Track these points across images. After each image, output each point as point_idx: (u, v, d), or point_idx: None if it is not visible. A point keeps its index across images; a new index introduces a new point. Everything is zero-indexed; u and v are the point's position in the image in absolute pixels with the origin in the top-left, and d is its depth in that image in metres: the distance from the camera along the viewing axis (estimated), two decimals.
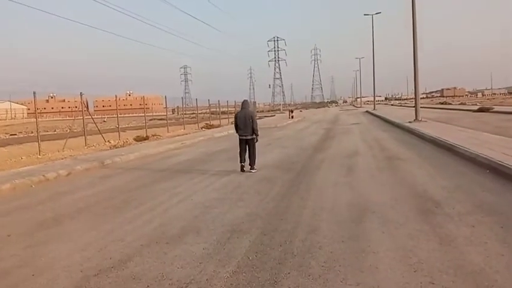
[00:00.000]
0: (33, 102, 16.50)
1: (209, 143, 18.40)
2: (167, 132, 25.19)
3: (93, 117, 20.12)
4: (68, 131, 21.60)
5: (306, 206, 5.81)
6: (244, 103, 9.34)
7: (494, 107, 35.84)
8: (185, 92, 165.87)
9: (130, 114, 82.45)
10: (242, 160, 9.10)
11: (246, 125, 9.02)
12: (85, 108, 18.93)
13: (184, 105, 42.55)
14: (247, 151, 9.15)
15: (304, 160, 10.60)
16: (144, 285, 3.40)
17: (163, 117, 40.05)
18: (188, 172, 9.69)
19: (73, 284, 3.51)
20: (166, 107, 30.20)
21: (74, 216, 6.01)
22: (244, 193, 6.93)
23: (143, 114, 29.01)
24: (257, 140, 9.27)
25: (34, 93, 15.28)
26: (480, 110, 33.09)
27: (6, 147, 18.49)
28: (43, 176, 9.59)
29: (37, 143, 15.35)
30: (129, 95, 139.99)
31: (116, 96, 26.04)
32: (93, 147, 17.52)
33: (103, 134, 19.82)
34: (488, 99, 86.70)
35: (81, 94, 18.12)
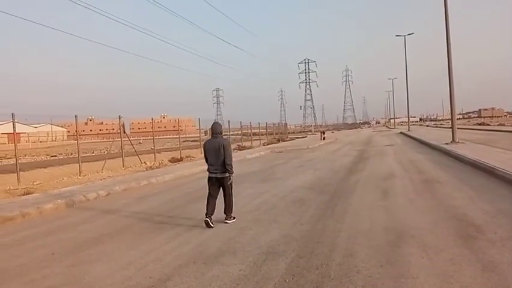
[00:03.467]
0: (72, 125, 17.42)
1: (240, 164, 18.59)
2: (201, 153, 25.66)
3: (130, 139, 20.80)
4: (106, 152, 22.42)
5: (341, 229, 5.77)
6: (214, 127, 6.64)
7: None
8: (217, 114, 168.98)
9: (165, 136, 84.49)
10: (209, 211, 6.37)
11: (217, 158, 6.41)
12: (123, 131, 19.63)
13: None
14: (222, 193, 6.64)
15: (337, 182, 10.51)
16: None
17: (196, 138, 40.87)
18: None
19: None
20: (199, 129, 30.77)
21: (114, 236, 6.22)
22: (278, 215, 6.96)
23: (177, 136, 29.74)
24: (231, 181, 6.57)
25: (76, 116, 16.11)
26: None
27: (47, 168, 19.37)
28: (84, 196, 10.00)
29: (77, 164, 16.04)
30: (163, 118, 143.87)
31: (152, 119, 26.89)
32: (130, 168, 18.09)
33: (139, 156, 20.43)
34: None
35: (119, 117, 18.87)
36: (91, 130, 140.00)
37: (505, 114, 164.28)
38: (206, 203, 6.47)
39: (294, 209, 7.41)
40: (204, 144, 6.78)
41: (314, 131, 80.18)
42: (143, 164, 19.02)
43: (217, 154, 6.42)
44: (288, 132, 68.63)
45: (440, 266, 4.04)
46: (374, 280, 3.77)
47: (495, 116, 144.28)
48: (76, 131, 17.58)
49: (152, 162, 19.34)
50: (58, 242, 6.06)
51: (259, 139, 40.47)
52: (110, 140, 28.21)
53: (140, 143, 49.21)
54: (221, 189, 6.61)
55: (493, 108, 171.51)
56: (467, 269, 3.92)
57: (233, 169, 6.51)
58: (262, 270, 4.22)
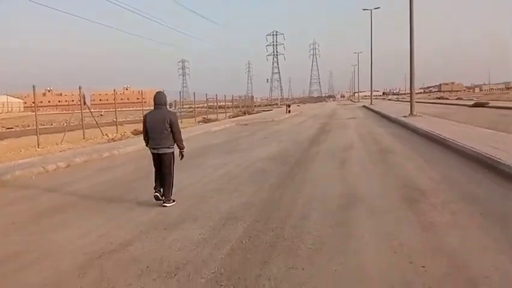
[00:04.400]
0: (29, 96, 16.75)
1: (205, 136, 18.64)
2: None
3: (91, 111, 20.25)
4: (66, 124, 21.76)
5: (299, 196, 6.07)
6: (158, 97, 5.93)
7: (489, 102, 36.16)
8: (183, 86, 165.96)
9: (128, 108, 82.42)
10: (157, 185, 5.95)
11: (160, 133, 5.77)
12: (83, 102, 19.06)
13: (181, 100, 42.73)
14: (162, 172, 5.95)
15: (299, 153, 10.83)
16: (144, 266, 3.65)
17: None
18: (185, 164, 9.88)
19: (77, 265, 3.76)
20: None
21: (75, 205, 6.24)
22: (240, 184, 7.18)
23: (141, 108, 29.15)
24: (183, 156, 6.10)
25: (34, 86, 15.43)
26: (476, 105, 33.39)
27: (4, 140, 18.64)
28: (43, 167, 9.81)
29: (35, 136, 15.55)
30: (126, 89, 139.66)
31: (114, 90, 26.22)
32: (91, 140, 17.70)
33: (100, 128, 20.00)
34: (485, 94, 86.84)
35: (80, 88, 18.27)
36: (49, 101, 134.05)
37: (464, 88, 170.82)
38: (154, 179, 6.01)
39: (256, 178, 7.65)
40: (145, 117, 5.97)
41: (280, 104, 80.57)
42: (105, 136, 18.66)
43: (161, 128, 5.75)
44: (254, 105, 68.63)
45: (384, 226, 4.40)
46: (323, 239, 4.07)
47: (454, 91, 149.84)
48: (35, 102, 16.90)
49: (115, 134, 19.02)
50: (18, 212, 6.01)
51: (225, 112, 40.36)
52: (70, 112, 27.31)
53: (101, 115, 47.78)
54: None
55: (452, 83, 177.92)
56: (408, 229, 4.29)
57: (183, 144, 6.05)
58: (221, 234, 4.43)
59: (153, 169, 6.00)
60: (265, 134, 18.11)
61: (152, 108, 6.00)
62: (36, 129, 15.81)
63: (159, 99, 5.92)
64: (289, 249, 3.87)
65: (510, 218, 4.47)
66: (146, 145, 6.03)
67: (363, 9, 54.20)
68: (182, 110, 34.17)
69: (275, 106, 75.53)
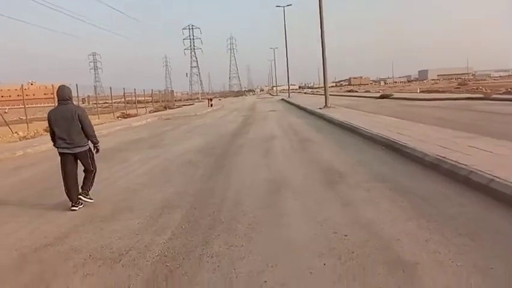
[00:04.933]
0: None
1: (128, 131, 18.11)
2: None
3: None
4: None
5: (229, 183, 6.40)
6: (61, 92, 5.36)
7: (393, 94, 39.92)
8: (96, 81, 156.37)
9: (35, 105, 75.75)
10: (73, 197, 5.35)
11: (69, 130, 5.27)
12: None
13: (96, 95, 40.56)
14: (83, 170, 5.53)
15: (224, 145, 11.15)
16: (86, 255, 3.70)
17: None
18: (111, 160, 9.67)
19: (13, 260, 3.69)
20: (77, 96, 28.59)
21: None
22: (170, 176, 7.31)
23: (50, 105, 27.18)
24: (98, 150, 5.68)
25: None
26: (382, 97, 36.61)
27: None
28: None
29: None
30: (31, 84, 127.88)
31: (22, 86, 24.24)
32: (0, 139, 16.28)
33: (9, 126, 18.41)
34: (389, 87, 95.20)
35: None
36: None
37: (371, 82, 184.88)
38: (65, 190, 5.38)
39: (186, 170, 7.81)
40: (49, 114, 5.40)
41: (201, 99, 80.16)
42: (16, 134, 17.24)
43: (69, 125, 5.25)
44: (175, 100, 67.39)
45: (309, 205, 4.91)
46: (257, 219, 4.45)
47: (362, 84, 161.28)
48: None
49: (26, 132, 17.63)
50: None
51: (145, 107, 39.25)
52: None
53: (6, 112, 43.51)
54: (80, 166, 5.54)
55: (361, 77, 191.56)
56: (330, 206, 4.84)
57: (97, 139, 5.63)
58: (160, 221, 4.60)
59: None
60: (189, 128, 18.14)
61: (57, 104, 5.48)
62: None
63: (63, 94, 5.36)
64: (228, 230, 4.18)
65: (414, 192, 5.24)
66: (54, 145, 5.48)
67: (276, 6, 55.94)
68: (97, 105, 32.52)
69: (196, 100, 74.95)
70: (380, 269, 3.06)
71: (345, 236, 3.82)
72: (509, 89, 29.07)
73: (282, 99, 52.51)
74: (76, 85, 26.36)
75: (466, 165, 5.61)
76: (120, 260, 3.55)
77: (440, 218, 4.11)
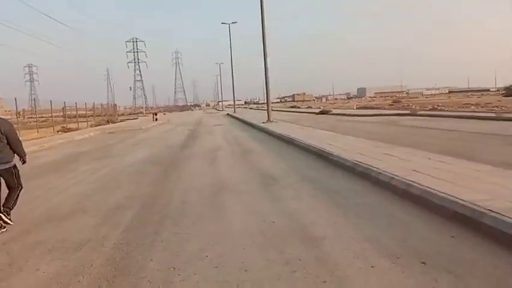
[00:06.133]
0: None
1: (71, 145, 18.02)
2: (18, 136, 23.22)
3: None
4: None
5: (176, 188, 7.09)
6: None
7: (332, 110, 42.39)
8: (32, 94, 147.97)
9: None
10: None
11: None
12: None
13: (30, 109, 39.06)
14: (7, 187, 5.18)
15: (171, 156, 11.76)
16: (50, 246, 4.24)
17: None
18: (59, 170, 9.91)
19: None
20: (16, 110, 27.69)
21: None
22: (120, 183, 7.84)
23: None
24: (24, 161, 5.48)
25: None
26: (321, 113, 38.76)
27: None
28: None
29: None
30: None
31: None
32: None
33: None
34: (330, 103, 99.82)
35: None
36: None
37: (313, 99, 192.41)
38: None
39: (135, 178, 8.36)
40: None
41: (145, 113, 79.08)
42: None
43: None
44: (118, 114, 66.03)
45: (247, 203, 5.75)
46: (201, 215, 5.21)
47: (306, 100, 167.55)
48: None
49: None
50: None
51: (87, 121, 38.35)
52: None
53: None
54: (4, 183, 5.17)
55: (304, 94, 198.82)
56: (264, 202, 5.70)
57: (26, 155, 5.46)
58: (113, 219, 5.19)
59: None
60: (134, 141, 18.42)
61: None
62: None
63: None
64: (175, 222, 4.89)
65: (332, 189, 6.25)
66: None
67: (222, 23, 57.13)
68: (37, 119, 31.41)
69: (140, 115, 73.84)
70: (296, 242, 3.95)
71: (273, 222, 4.68)
72: (435, 106, 32.35)
73: (228, 114, 53.51)
74: (15, 99, 25.54)
75: (376, 167, 6.77)
76: (81, 248, 4.14)
77: (348, 206, 5.13)
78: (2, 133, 4.98)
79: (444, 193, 4.75)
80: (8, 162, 5.11)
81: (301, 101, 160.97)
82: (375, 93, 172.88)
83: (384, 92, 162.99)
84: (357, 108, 45.02)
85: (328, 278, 3.14)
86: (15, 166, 5.26)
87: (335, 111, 39.85)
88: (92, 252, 4.03)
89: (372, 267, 3.29)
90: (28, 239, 4.54)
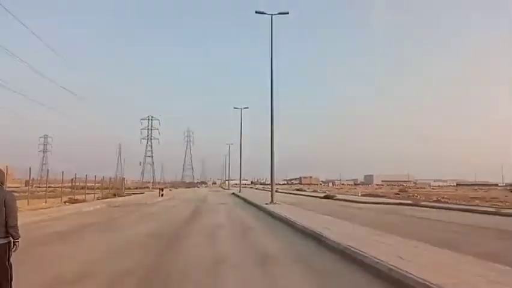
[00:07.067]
0: None
1: (78, 216, 18.59)
2: (27, 205, 23.91)
3: None
4: None
5: (178, 259, 7.68)
6: None
7: (336, 195, 42.90)
8: (43, 164, 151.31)
9: None
10: None
11: None
12: None
13: (40, 178, 40.31)
14: None
15: (175, 231, 12.31)
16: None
17: (15, 189, 36.93)
18: (66, 239, 10.48)
19: None
20: (30, 179, 28.74)
21: None
22: (126, 253, 8.40)
23: None
24: (17, 247, 4.50)
25: None
26: (325, 197, 39.33)
27: None
28: None
29: None
30: None
31: None
32: None
33: None
34: (336, 188, 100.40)
35: None
36: None
37: (320, 182, 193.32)
38: None
39: (141, 249, 8.92)
40: None
41: (152, 188, 79.99)
42: None
43: None
44: (125, 188, 66.98)
45: (243, 279, 6.29)
46: (202, 283, 5.76)
47: (312, 184, 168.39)
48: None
49: None
50: None
51: (94, 193, 39.14)
52: None
53: None
54: None
55: (310, 177, 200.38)
56: (258, 279, 6.24)
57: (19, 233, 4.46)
58: (119, 284, 5.75)
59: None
60: (140, 215, 19.00)
61: None
62: None
63: None
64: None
65: (320, 270, 6.78)
66: None
67: (234, 108, 60.17)
68: (46, 188, 32.33)
69: (147, 189, 74.60)
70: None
71: None
72: (440, 198, 32.89)
73: (233, 193, 54.17)
74: (30, 169, 26.71)
75: (364, 252, 7.35)
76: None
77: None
78: (3, 204, 4.35)
79: (418, 277, 5.32)
80: (6, 236, 4.38)
81: (308, 184, 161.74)
82: (382, 181, 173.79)
83: (391, 181, 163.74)
84: (361, 195, 45.43)
85: None
86: (9, 243, 4.43)
87: (339, 196, 40.36)
88: None
89: None
90: None
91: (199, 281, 5.89)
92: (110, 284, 5.75)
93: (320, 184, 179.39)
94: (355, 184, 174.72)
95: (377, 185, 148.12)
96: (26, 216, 16.69)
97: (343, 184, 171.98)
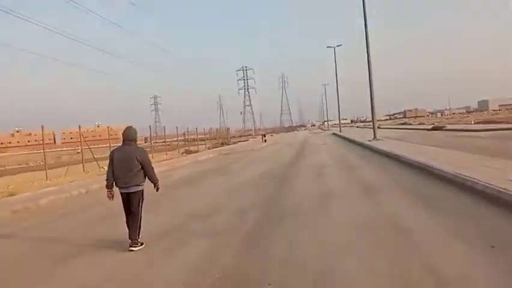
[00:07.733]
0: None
1: (196, 164, 20.82)
2: (152, 158, 27.29)
3: (65, 149, 22.07)
4: (41, 163, 23.35)
5: (290, 194, 8.59)
6: (127, 133, 5.61)
7: (447, 125, 40.14)
8: (156, 121, 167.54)
9: (102, 145, 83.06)
10: (130, 231, 5.49)
11: (127, 170, 5.39)
12: (51, 141, 20.90)
13: (155, 134, 45.11)
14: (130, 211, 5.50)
15: (283, 172, 13.27)
16: (200, 233, 5.92)
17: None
18: (194, 183, 12.10)
19: None
20: (150, 136, 32.40)
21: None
22: (243, 192, 9.55)
23: (115, 144, 31.00)
24: (158, 188, 5.76)
25: (42, 127, 17.33)
26: (433, 129, 37.13)
27: (16, 175, 20.28)
28: (69, 193, 11.71)
29: (31, 173, 17.32)
30: (98, 127, 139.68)
31: (98, 126, 28.32)
32: (90, 172, 19.50)
33: (97, 161, 21.81)
34: (446, 118, 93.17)
35: (42, 127, 20.19)
36: (18, 142, 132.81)
37: (427, 114, 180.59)
38: (126, 223, 5.52)
39: (256, 188, 10.01)
40: (112, 153, 5.55)
41: (255, 135, 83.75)
42: (102, 169, 20.47)
43: (129, 165, 5.37)
44: (230, 137, 71.27)
45: (350, 206, 6.88)
46: (311, 213, 6.54)
47: (418, 116, 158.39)
48: (43, 141, 18.80)
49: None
50: (70, 221, 8.05)
51: (205, 144, 42.63)
52: (36, 151, 28.80)
53: (78, 152, 48.97)
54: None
55: (416, 109, 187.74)
56: (365, 207, 6.75)
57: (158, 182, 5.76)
58: (244, 216, 6.76)
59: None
60: (249, 160, 20.51)
61: (121, 144, 5.60)
62: (45, 164, 17.63)
63: (128, 135, 5.58)
64: (294, 215, 6.30)
65: (426, 195, 7.00)
66: (109, 184, 5.51)
67: (327, 47, 57.96)
68: (165, 143, 36.31)
69: (250, 137, 78.34)
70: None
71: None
72: None
73: (334, 133, 54.10)
74: (150, 127, 30.08)
75: (474, 178, 7.31)
76: (223, 233, 5.74)
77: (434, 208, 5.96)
78: (138, 160, 5.40)
79: None
80: (139, 185, 5.48)
81: (413, 117, 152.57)
82: (499, 105, 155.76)
83: (511, 104, 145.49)
84: (475, 123, 41.90)
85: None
86: (143, 192, 5.55)
87: (449, 126, 37.82)
88: (232, 235, 5.57)
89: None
90: (183, 229, 6.32)
91: (312, 209, 6.65)
92: (236, 216, 6.80)
93: (427, 116, 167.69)
94: (467, 112, 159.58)
95: (493, 110, 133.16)
96: (154, 167, 19.26)
97: (453, 113, 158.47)
